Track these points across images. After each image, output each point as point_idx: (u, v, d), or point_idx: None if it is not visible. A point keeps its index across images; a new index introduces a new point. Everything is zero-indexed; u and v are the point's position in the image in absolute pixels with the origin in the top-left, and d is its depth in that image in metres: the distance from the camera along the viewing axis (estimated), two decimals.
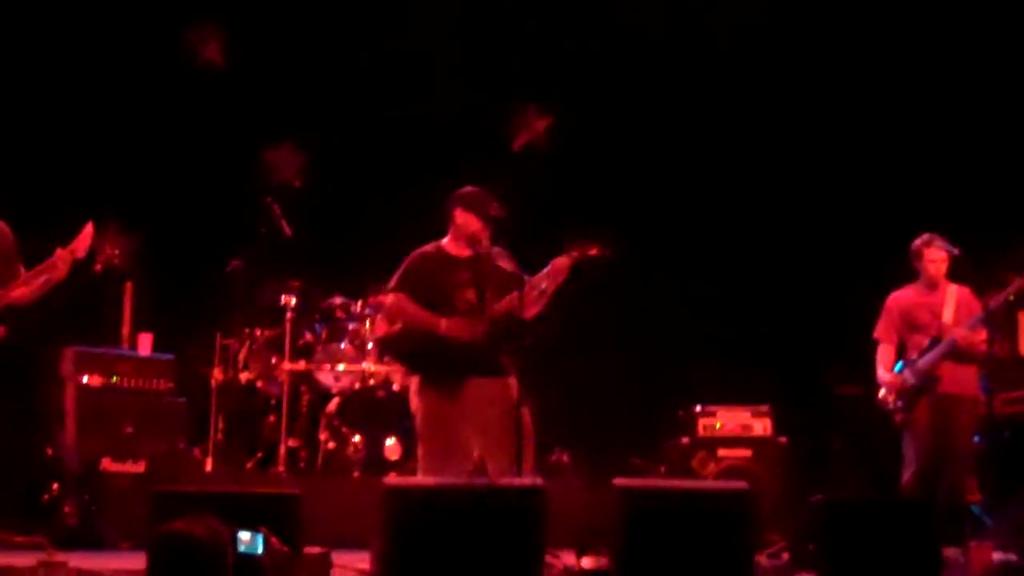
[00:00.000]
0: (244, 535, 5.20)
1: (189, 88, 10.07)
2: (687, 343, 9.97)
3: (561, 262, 6.51)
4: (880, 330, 7.83)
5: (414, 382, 6.77)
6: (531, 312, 6.55)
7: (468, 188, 6.75)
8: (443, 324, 6.59)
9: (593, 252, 6.54)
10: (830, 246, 10.11)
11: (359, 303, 9.21)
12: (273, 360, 9.16)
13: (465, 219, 6.69)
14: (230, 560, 4.51)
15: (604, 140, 10.41)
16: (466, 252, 6.71)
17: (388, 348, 7.77)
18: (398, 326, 6.75)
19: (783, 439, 8.71)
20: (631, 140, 10.43)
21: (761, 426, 8.74)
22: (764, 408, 8.78)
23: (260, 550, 5.23)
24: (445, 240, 6.80)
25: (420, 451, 6.77)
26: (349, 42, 10.29)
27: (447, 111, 10.23)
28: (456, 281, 6.68)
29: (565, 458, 9.30)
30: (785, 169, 10.33)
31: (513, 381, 6.59)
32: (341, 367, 9.07)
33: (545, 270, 6.52)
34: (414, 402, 6.74)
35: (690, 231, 10.34)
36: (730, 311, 10.14)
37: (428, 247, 6.80)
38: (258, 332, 9.28)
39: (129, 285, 8.90)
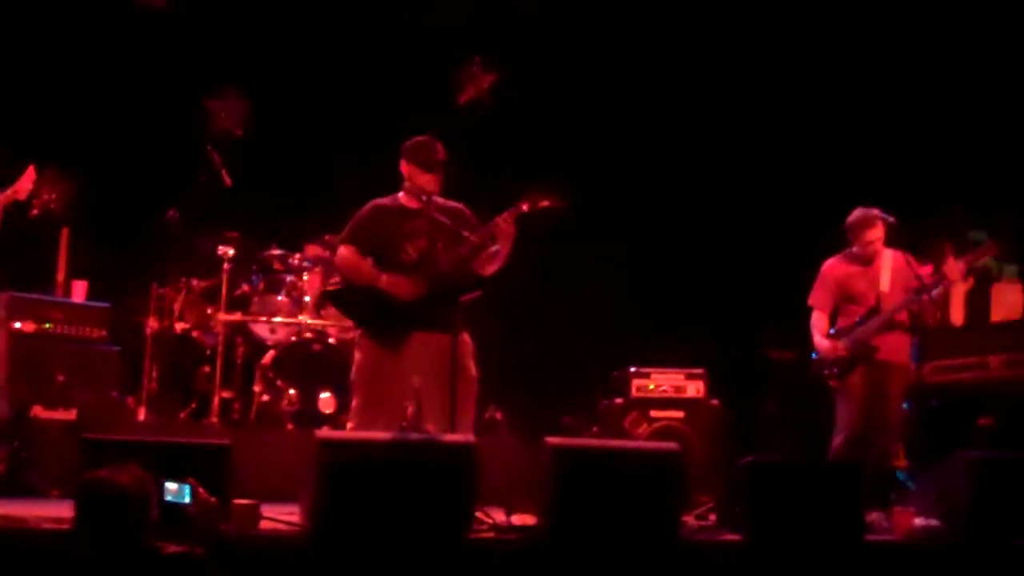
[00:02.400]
0: (171, 485, 5.23)
1: (131, 30, 9.95)
2: (623, 304, 10.01)
3: (502, 222, 6.47)
4: (815, 297, 7.85)
5: (357, 335, 6.77)
6: (490, 269, 6.57)
7: (414, 138, 6.72)
8: (384, 279, 6.57)
9: (545, 203, 6.52)
10: (766, 210, 10.17)
11: (297, 255, 9.18)
12: (209, 311, 9.11)
13: (411, 170, 6.66)
14: (155, 509, 4.50)
15: (546, 95, 10.41)
16: (418, 204, 6.68)
17: (333, 300, 7.77)
18: (348, 280, 6.73)
19: (716, 401, 8.71)
20: (572, 97, 10.43)
21: (694, 388, 8.73)
22: (698, 371, 8.76)
23: (187, 500, 5.25)
24: (401, 193, 6.76)
25: (353, 403, 6.75)
26: None
27: (393, 62, 10.20)
28: (405, 232, 6.64)
29: (498, 415, 9.34)
30: (722, 131, 10.36)
31: (465, 337, 6.60)
32: (277, 319, 9.02)
33: (486, 228, 6.51)
34: (356, 355, 6.73)
35: (629, 192, 10.36)
36: (667, 274, 10.20)
37: (384, 199, 6.76)
38: (194, 282, 9.22)
39: (65, 231, 8.86)
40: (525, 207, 6.49)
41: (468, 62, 10.56)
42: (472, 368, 6.64)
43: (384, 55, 10.24)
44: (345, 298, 6.86)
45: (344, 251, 6.70)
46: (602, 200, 10.04)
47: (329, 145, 10.02)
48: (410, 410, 6.79)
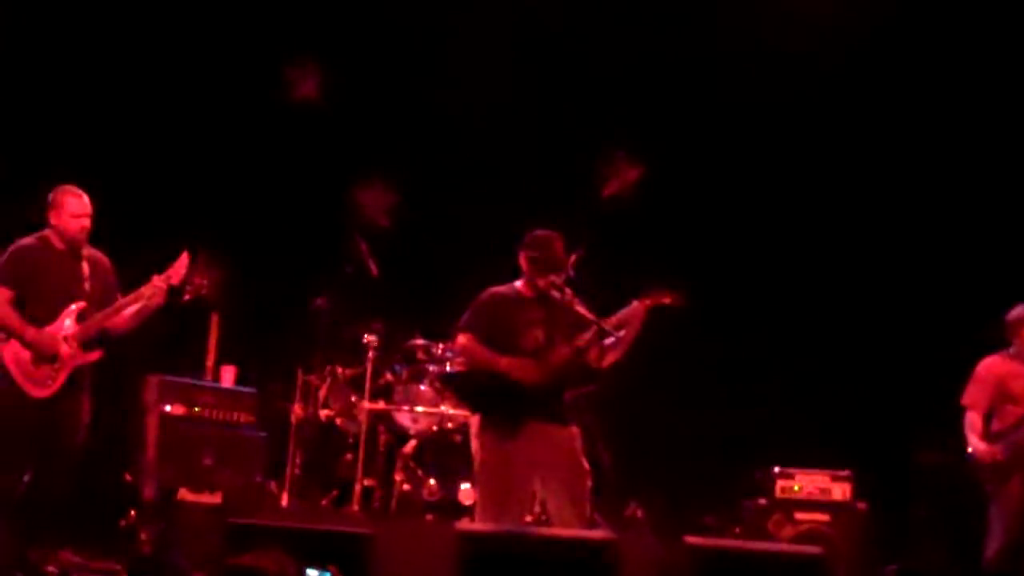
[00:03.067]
0: (313, 572, 5.25)
1: (285, 122, 10.21)
2: (769, 402, 9.90)
3: (635, 308, 6.51)
4: (970, 397, 7.76)
5: (475, 423, 6.79)
6: (608, 360, 6.54)
7: (535, 231, 6.76)
8: (503, 362, 6.57)
9: (667, 300, 6.55)
10: (920, 308, 10.00)
11: (440, 345, 9.21)
12: (353, 399, 9.18)
13: (528, 262, 6.70)
14: None
15: (691, 190, 10.42)
16: (533, 293, 6.71)
17: (452, 386, 7.81)
18: (463, 366, 6.82)
19: (863, 505, 8.58)
20: (718, 192, 10.42)
21: (840, 491, 8.62)
22: (844, 472, 8.66)
23: None
24: (519, 282, 6.79)
25: (478, 494, 6.75)
26: (443, 82, 10.36)
27: (538, 154, 10.30)
28: (524, 320, 6.67)
29: (639, 513, 9.25)
30: (875, 227, 10.26)
31: (576, 431, 6.59)
32: (420, 409, 9.06)
33: (618, 315, 6.52)
34: (474, 444, 6.77)
35: (779, 287, 10.27)
36: (814, 371, 10.04)
37: (501, 287, 6.81)
38: (339, 370, 9.30)
39: (215, 316, 9.06)
40: (649, 302, 6.51)
41: (614, 154, 10.57)
42: (585, 463, 6.61)
43: (532, 143, 10.33)
44: (464, 383, 6.91)
45: (463, 339, 6.72)
46: (755, 293, 10.04)
47: (474, 235, 10.03)
48: (546, 504, 6.77)
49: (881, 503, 8.77)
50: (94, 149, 9.20)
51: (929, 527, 9.27)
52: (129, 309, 7.14)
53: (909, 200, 10.18)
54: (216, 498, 7.97)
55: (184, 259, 7.18)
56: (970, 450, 7.66)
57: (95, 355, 7.11)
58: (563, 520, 6.52)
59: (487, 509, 6.60)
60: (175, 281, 7.13)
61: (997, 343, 7.79)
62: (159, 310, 7.21)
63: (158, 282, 7.10)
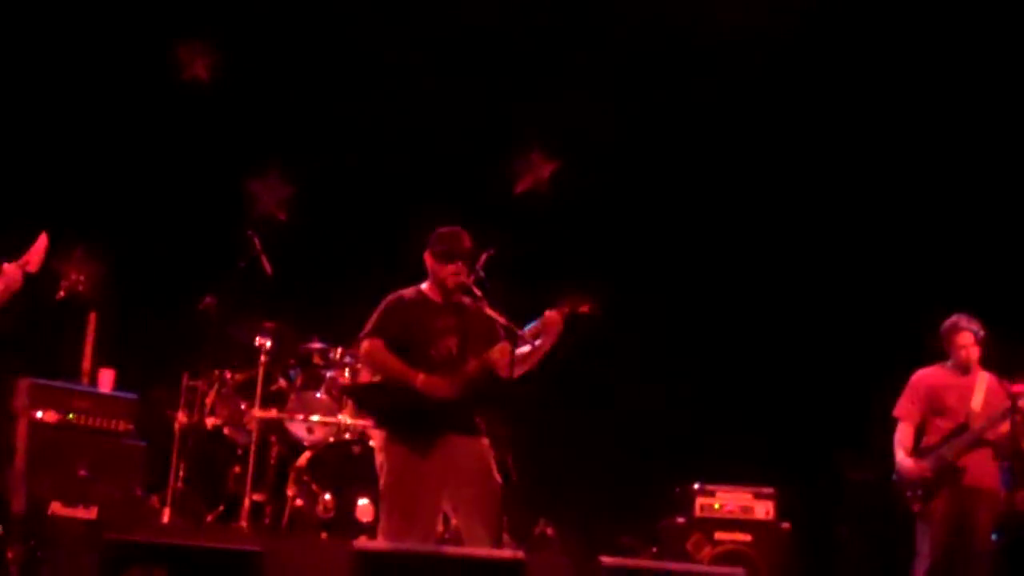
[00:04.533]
0: None
1: (172, 106, 10.14)
2: (688, 415, 9.95)
3: (553, 316, 6.48)
4: (902, 408, 7.87)
5: (380, 436, 6.69)
6: (520, 370, 6.51)
7: (440, 230, 6.73)
8: (420, 379, 6.52)
9: (584, 309, 6.51)
10: (846, 320, 10.14)
11: (339, 349, 9.15)
12: (243, 406, 9.10)
13: (434, 264, 6.69)
14: None
15: (609, 190, 10.46)
16: (441, 298, 6.70)
17: (356, 397, 7.71)
18: (375, 376, 6.71)
19: (786, 524, 8.70)
20: (638, 194, 10.50)
21: (763, 509, 8.73)
22: (767, 490, 8.77)
23: None
24: (425, 284, 6.78)
25: (383, 511, 6.67)
26: (344, 68, 10.36)
27: (446, 147, 10.30)
28: (436, 328, 6.65)
29: (550, 531, 9.26)
30: (799, 236, 10.41)
31: (486, 442, 6.59)
32: (315, 418, 8.97)
33: (534, 324, 6.49)
34: (379, 458, 6.66)
35: (698, 296, 10.38)
36: (736, 384, 10.15)
37: (407, 291, 6.78)
38: (228, 375, 9.23)
39: (93, 315, 8.92)
40: (566, 309, 6.49)
41: (528, 148, 10.65)
42: (498, 476, 6.60)
43: (438, 137, 10.34)
44: (369, 395, 6.84)
45: (371, 345, 6.67)
46: (672, 301, 10.11)
47: (376, 231, 10.08)
48: (453, 521, 6.75)
49: (805, 522, 8.88)
50: None
51: (855, 548, 9.44)
52: None
53: (835, 207, 10.35)
54: (92, 513, 7.83)
55: (42, 242, 7.00)
56: (897, 466, 7.76)
57: None
58: (472, 538, 6.48)
59: (392, 526, 6.54)
60: (33, 268, 6.94)
61: (936, 355, 7.90)
62: (25, 306, 7.05)
63: (9, 268, 6.89)
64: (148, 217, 9.90)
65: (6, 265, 6.93)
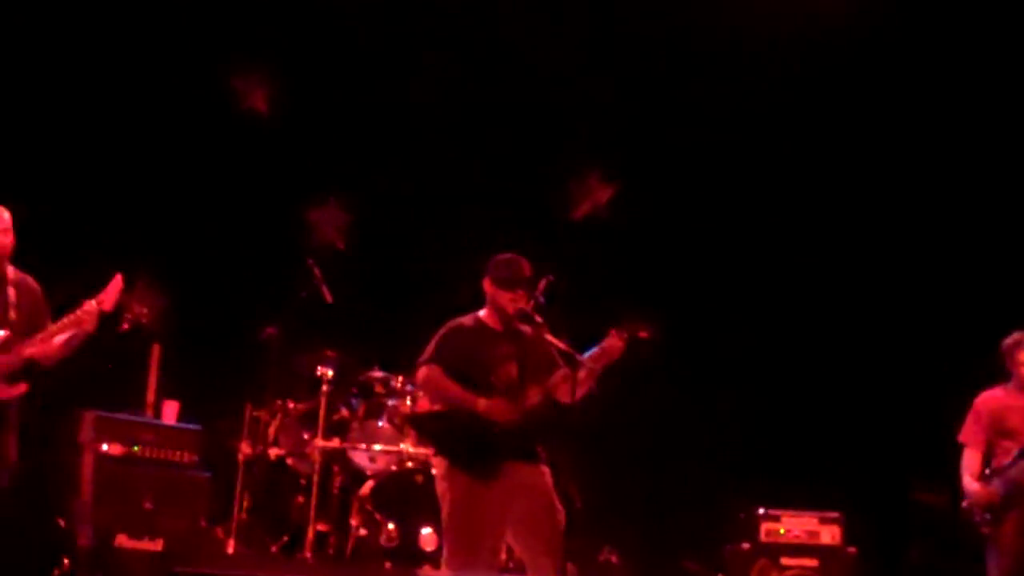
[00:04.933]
0: None
1: (232, 139, 10.20)
2: (754, 439, 9.93)
3: (613, 343, 6.46)
4: (966, 433, 7.81)
5: (441, 465, 6.69)
6: (580, 393, 6.49)
7: (499, 256, 6.75)
8: (482, 403, 6.54)
9: (643, 334, 6.50)
10: (914, 341, 10.07)
11: (400, 378, 9.17)
12: (305, 436, 9.13)
13: (493, 290, 6.71)
14: None
15: (674, 216, 10.48)
16: (500, 326, 6.72)
17: (418, 426, 7.75)
18: (435, 403, 6.75)
19: (853, 549, 8.68)
20: (704, 220, 10.49)
21: (829, 534, 8.72)
22: (834, 514, 8.75)
23: None
24: (483, 312, 6.79)
25: (446, 540, 6.67)
26: (400, 93, 10.39)
27: (505, 173, 10.34)
28: (496, 355, 6.66)
29: (614, 558, 9.26)
30: (865, 260, 10.36)
31: (547, 470, 6.59)
32: (378, 447, 9.01)
33: (595, 350, 6.48)
34: (441, 487, 6.67)
35: (767, 315, 10.34)
36: (803, 407, 10.09)
37: (465, 318, 6.78)
38: (291, 405, 9.26)
39: (156, 347, 9.02)
40: (626, 335, 6.48)
41: (586, 173, 10.64)
42: (560, 504, 6.60)
43: (499, 161, 10.39)
44: (432, 424, 6.84)
45: (430, 372, 6.67)
46: (741, 325, 10.08)
47: (435, 259, 10.10)
48: (516, 551, 6.77)
49: (873, 547, 8.85)
50: (18, 160, 9.10)
51: (925, 572, 9.41)
52: (59, 338, 7.05)
53: (902, 227, 10.32)
54: (157, 545, 7.94)
55: (117, 282, 7.10)
56: (964, 491, 7.72)
57: (21, 388, 7.05)
58: (535, 567, 6.48)
59: (456, 556, 6.53)
60: (108, 307, 7.04)
61: (999, 374, 7.83)
62: (92, 340, 7.12)
63: (89, 307, 7.00)
64: (209, 248, 9.98)
65: (85, 303, 7.02)
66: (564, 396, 6.49)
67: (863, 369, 10.21)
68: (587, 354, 6.49)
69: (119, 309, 7.21)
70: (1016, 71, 10.05)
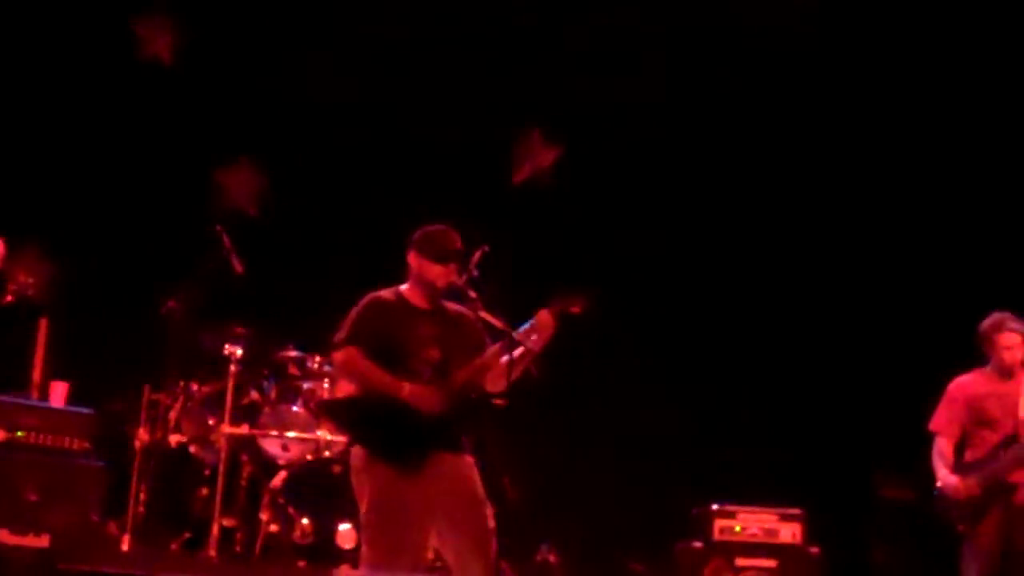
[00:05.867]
0: None
1: (132, 90, 10.07)
2: (708, 429, 9.98)
3: (545, 317, 6.36)
4: (939, 421, 7.82)
5: (359, 456, 6.56)
6: (513, 375, 6.40)
7: (427, 227, 6.65)
8: (406, 389, 6.41)
9: (575, 309, 6.39)
10: (879, 326, 10.18)
11: (317, 358, 9.13)
12: (210, 421, 9.02)
13: (420, 264, 6.60)
14: None
15: (625, 181, 10.46)
16: (426, 303, 6.63)
17: (332, 413, 7.69)
18: (353, 388, 6.61)
19: (815, 548, 8.64)
20: (661, 184, 10.50)
21: (789, 532, 8.67)
22: (794, 511, 8.71)
23: None
24: (405, 286, 6.69)
25: (366, 538, 6.54)
26: (321, 45, 10.29)
27: (435, 135, 10.23)
28: (418, 336, 6.55)
29: (552, 558, 9.29)
30: (829, 238, 10.48)
31: (472, 460, 6.51)
32: (291, 434, 8.94)
33: (527, 326, 6.38)
34: (359, 479, 6.55)
35: (719, 298, 10.41)
36: (759, 396, 10.15)
37: (385, 292, 6.68)
38: (194, 387, 9.16)
39: (44, 322, 8.80)
40: (557, 310, 6.38)
41: (526, 134, 10.57)
42: (489, 498, 6.53)
43: (425, 123, 10.27)
44: (349, 411, 6.73)
45: (348, 354, 6.55)
46: (679, 307, 10.14)
47: (357, 229, 10.01)
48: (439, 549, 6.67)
49: (836, 546, 8.85)
50: None
51: (891, 572, 9.51)
52: None
53: (861, 216, 10.42)
54: (43, 540, 7.65)
55: None
56: (939, 484, 7.68)
57: None
58: (465, 568, 6.39)
59: (376, 555, 6.41)
60: None
61: (974, 359, 7.82)
62: None
63: None
64: (105, 213, 9.86)
65: None
66: (497, 379, 6.40)
67: (825, 357, 10.29)
68: (520, 330, 6.39)
69: (1, 279, 7.30)
70: (999, 65, 10.14)
